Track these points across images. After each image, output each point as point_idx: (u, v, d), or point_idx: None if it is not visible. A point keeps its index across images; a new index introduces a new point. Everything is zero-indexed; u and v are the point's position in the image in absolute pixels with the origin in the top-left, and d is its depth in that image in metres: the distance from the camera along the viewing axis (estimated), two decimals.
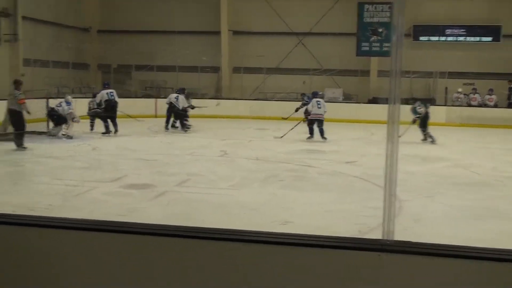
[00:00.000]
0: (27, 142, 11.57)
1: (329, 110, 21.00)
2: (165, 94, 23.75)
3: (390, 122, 2.43)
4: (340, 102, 22.63)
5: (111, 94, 15.28)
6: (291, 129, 14.91)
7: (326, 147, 13.14)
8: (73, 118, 14.10)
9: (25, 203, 6.41)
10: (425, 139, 14.25)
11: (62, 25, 24.40)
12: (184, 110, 16.11)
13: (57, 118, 13.87)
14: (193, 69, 24.43)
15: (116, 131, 14.76)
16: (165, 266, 2.52)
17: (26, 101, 11.70)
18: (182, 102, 15.92)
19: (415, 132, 13.79)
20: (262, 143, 13.86)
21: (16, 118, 11.51)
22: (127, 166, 9.88)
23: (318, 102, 14.59)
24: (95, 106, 15.35)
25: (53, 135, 13.71)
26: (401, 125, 2.49)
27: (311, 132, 14.44)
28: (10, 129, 13.11)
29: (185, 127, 16.07)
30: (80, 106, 17.90)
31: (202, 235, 2.53)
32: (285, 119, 15.55)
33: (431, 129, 14.39)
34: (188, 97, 17.06)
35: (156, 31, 25.50)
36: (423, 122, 14.34)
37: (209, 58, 24.38)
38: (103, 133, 14.71)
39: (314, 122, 14.44)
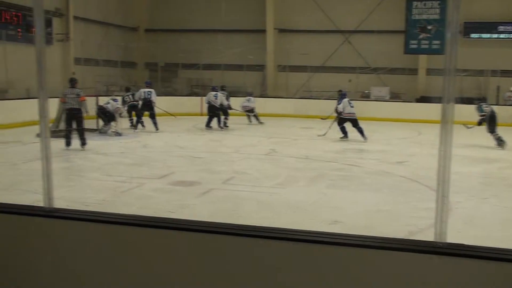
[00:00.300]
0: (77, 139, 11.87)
1: (376, 108, 20.91)
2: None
3: (443, 122, 2.38)
4: (387, 101, 22.30)
5: (148, 93, 15.50)
6: (329, 127, 14.56)
7: (372, 147, 12.95)
8: (120, 114, 14.44)
9: (78, 198, 6.60)
10: (499, 144, 12.70)
11: (111, 25, 24.96)
12: (223, 108, 16.12)
13: (107, 116, 14.19)
14: (238, 67, 24.55)
15: (156, 129, 14.96)
16: (212, 262, 2.54)
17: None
18: (220, 99, 15.95)
19: (477, 133, 13.16)
20: (308, 142, 13.79)
21: (79, 116, 11.24)
22: (175, 163, 10.02)
23: (350, 102, 14.26)
24: (131, 99, 15.68)
25: (103, 133, 14.02)
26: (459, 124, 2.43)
27: (345, 132, 14.06)
28: (62, 126, 13.51)
29: (223, 125, 16.08)
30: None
31: (250, 233, 2.53)
32: (324, 119, 15.29)
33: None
34: (227, 97, 17.08)
35: (203, 29, 25.75)
36: (490, 124, 12.96)
37: (255, 56, 24.44)
38: (131, 125, 15.33)
39: (345, 122, 14.07)
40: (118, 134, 13.98)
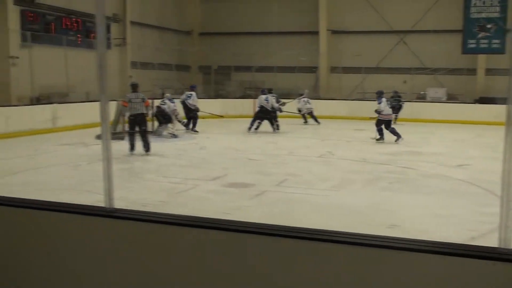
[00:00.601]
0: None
1: (432, 110, 20.43)
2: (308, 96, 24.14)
3: (508, 124, 2.29)
4: (444, 102, 21.73)
5: (188, 95, 15.68)
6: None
7: (428, 149, 12.66)
8: (176, 115, 14.62)
9: (136, 199, 6.76)
10: None
11: (166, 29, 25.48)
12: (275, 111, 16.06)
13: (163, 117, 14.36)
14: (290, 69, 24.54)
15: (193, 132, 15.21)
16: (267, 264, 2.54)
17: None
18: (271, 102, 15.87)
19: None
20: (361, 144, 13.61)
21: (145, 121, 11.18)
22: (229, 165, 10.10)
23: (388, 102, 14.11)
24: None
25: (158, 134, 14.20)
26: None
27: (382, 133, 13.75)
28: (120, 128, 13.89)
29: (276, 127, 15.91)
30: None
31: (303, 235, 2.52)
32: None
33: None
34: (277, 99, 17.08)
35: (255, 32, 25.89)
36: None
37: (307, 58, 24.37)
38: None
39: (383, 123, 13.77)
40: (174, 136, 14.18)
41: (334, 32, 25.25)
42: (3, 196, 3.27)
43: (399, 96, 18.95)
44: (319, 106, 20.22)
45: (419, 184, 8.51)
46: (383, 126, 13.72)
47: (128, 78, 22.14)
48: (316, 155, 11.47)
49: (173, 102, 14.70)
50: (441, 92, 22.58)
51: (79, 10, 19.25)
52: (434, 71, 22.98)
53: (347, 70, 24.20)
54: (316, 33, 25.16)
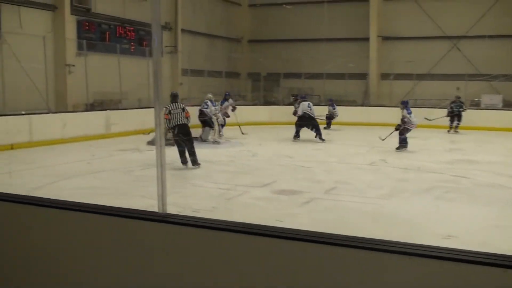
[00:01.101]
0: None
1: (487, 117, 19.78)
2: (311, 102, 24.02)
3: None
4: (500, 109, 20.99)
5: (213, 104, 14.77)
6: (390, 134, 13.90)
7: (483, 158, 12.26)
8: (217, 119, 14.43)
9: (187, 204, 6.83)
10: None
11: (216, 36, 25.81)
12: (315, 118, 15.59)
13: (204, 121, 14.26)
14: (340, 76, 24.33)
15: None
16: (317, 273, 2.51)
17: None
18: (313, 109, 15.50)
19: None
20: (412, 152, 13.32)
21: (188, 131, 10.52)
22: (278, 172, 10.09)
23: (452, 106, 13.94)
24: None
25: (204, 140, 14.15)
26: None
27: (406, 142, 13.31)
28: (169, 135, 14.10)
29: (319, 136, 15.24)
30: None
31: (359, 245, 2.47)
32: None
33: None
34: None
35: (304, 39, 25.88)
36: None
37: (357, 64, 24.12)
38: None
39: (408, 132, 13.36)
40: (216, 142, 14.09)
41: (385, 38, 24.92)
42: (57, 200, 3.36)
43: (462, 102, 18.36)
44: (369, 113, 20.00)
45: (474, 193, 8.23)
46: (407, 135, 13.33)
47: (179, 85, 22.55)
48: (366, 162, 11.31)
49: (214, 105, 14.49)
50: (496, 99, 21.86)
51: (133, 19, 19.77)
52: (489, 77, 22.29)
53: (398, 76, 23.78)
54: (366, 39, 24.89)
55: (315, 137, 15.17)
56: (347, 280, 2.45)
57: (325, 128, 18.34)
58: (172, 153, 12.15)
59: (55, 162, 10.98)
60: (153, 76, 3.08)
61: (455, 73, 22.86)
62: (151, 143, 13.42)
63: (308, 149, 13.96)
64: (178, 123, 10.35)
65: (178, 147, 10.40)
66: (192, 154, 10.34)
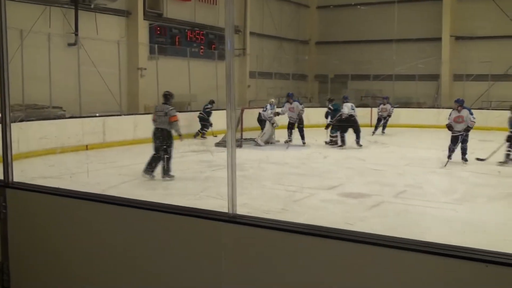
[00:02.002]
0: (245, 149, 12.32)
1: None
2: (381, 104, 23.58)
3: None
4: None
5: (271, 107, 14.75)
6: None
7: None
8: (272, 123, 14.44)
9: (255, 205, 6.87)
10: None
11: (284, 39, 25.85)
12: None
13: (260, 123, 14.39)
14: (410, 77, 23.72)
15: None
16: (385, 278, 2.46)
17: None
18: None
19: None
20: (485, 155, 12.76)
21: (164, 138, 9.38)
22: (347, 174, 9.98)
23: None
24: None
25: (257, 143, 14.22)
26: None
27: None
28: (237, 135, 14.27)
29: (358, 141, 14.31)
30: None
31: (433, 250, 2.40)
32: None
33: None
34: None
35: (373, 40, 25.45)
36: None
37: (428, 65, 23.42)
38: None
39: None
40: (258, 144, 14.06)
41: (458, 38, 24.08)
42: (128, 198, 3.48)
43: None
44: (440, 116, 19.34)
45: None
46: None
47: (246, 88, 22.77)
48: (436, 166, 10.95)
49: (272, 109, 14.49)
50: None
51: (202, 22, 20.15)
52: None
53: (472, 77, 22.88)
54: (439, 39, 24.15)
55: (355, 140, 14.24)
56: (417, 285, 2.38)
57: (383, 131, 18.07)
58: (240, 154, 12.28)
59: (129, 162, 11.35)
60: (226, 79, 3.11)
61: None
62: (219, 144, 13.66)
63: (378, 151, 13.71)
64: (158, 126, 9.46)
65: (153, 152, 9.39)
66: (167, 163, 9.23)
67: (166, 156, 9.19)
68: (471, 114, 11.78)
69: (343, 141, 14.15)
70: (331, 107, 14.95)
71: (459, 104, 12.10)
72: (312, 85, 27.89)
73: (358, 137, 14.15)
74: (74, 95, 14.11)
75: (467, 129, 11.59)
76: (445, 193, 8.30)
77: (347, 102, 14.60)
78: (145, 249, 3.23)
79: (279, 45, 25.68)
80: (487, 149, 13.26)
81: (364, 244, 2.54)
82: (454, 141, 11.36)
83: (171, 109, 9.42)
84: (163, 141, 9.32)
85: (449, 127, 11.56)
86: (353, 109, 14.36)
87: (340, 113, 14.26)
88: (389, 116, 18.38)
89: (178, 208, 3.22)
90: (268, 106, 14.47)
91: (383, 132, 18.24)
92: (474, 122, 11.81)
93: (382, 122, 18.38)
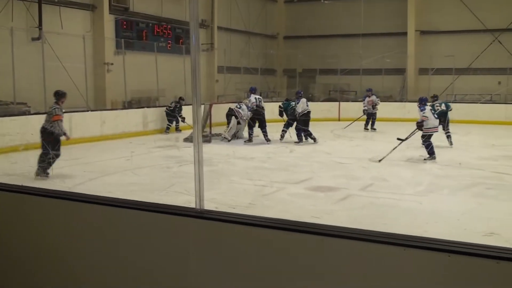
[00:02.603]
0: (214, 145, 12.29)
1: None
2: (348, 98, 23.85)
3: None
4: None
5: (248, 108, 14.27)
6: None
7: None
8: (244, 119, 14.25)
9: (224, 200, 6.89)
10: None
11: (252, 33, 25.84)
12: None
13: (231, 119, 14.21)
14: (377, 71, 24.03)
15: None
16: (360, 270, 2.50)
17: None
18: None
19: None
20: (450, 148, 13.06)
21: (48, 137, 8.97)
22: (314, 168, 10.06)
23: (433, 110, 11.61)
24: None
25: (224, 137, 14.12)
26: None
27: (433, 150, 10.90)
28: (206, 131, 14.23)
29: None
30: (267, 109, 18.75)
31: (397, 242, 2.45)
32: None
33: None
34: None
35: (341, 34, 25.68)
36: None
37: (394, 60, 23.78)
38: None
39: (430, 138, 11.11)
40: (225, 138, 14.00)
41: (423, 32, 24.49)
42: (96, 195, 3.45)
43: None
44: (406, 109, 19.70)
45: None
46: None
47: (215, 83, 22.70)
48: (402, 159, 11.14)
49: (249, 109, 14.02)
50: None
51: (170, 17, 19.98)
52: None
53: (437, 71, 23.32)
54: (404, 34, 24.51)
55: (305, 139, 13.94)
56: (382, 276, 2.43)
57: (372, 127, 17.30)
58: (209, 149, 12.30)
59: (96, 159, 11.22)
60: (192, 74, 3.11)
61: (497, 67, 22.28)
62: (187, 140, 13.59)
63: (345, 145, 13.86)
64: (43, 125, 9.04)
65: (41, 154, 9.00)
66: (49, 163, 8.90)
67: (49, 156, 8.84)
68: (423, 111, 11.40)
69: (300, 136, 13.75)
70: (281, 106, 14.75)
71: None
72: (280, 80, 27.99)
73: (306, 132, 13.79)
74: (39, 91, 13.81)
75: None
76: (411, 185, 8.45)
77: (300, 96, 14.25)
78: (113, 246, 3.21)
79: (247, 39, 25.66)
80: (453, 141, 13.58)
81: (329, 237, 2.58)
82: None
83: (55, 108, 9.02)
84: (47, 140, 8.96)
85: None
86: (307, 105, 14.03)
87: (294, 109, 14.00)
88: (374, 108, 17.27)
89: (145, 204, 3.21)
90: (244, 106, 14.33)
91: (373, 129, 17.28)
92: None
93: (371, 117, 17.34)
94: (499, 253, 2.24)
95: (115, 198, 3.41)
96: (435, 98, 14.69)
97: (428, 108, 11.50)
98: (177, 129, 16.46)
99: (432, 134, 11.12)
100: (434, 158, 10.73)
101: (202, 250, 2.95)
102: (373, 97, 17.44)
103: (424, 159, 10.78)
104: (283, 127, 14.27)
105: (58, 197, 3.47)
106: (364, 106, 17.41)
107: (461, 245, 2.36)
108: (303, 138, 13.80)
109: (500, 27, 22.78)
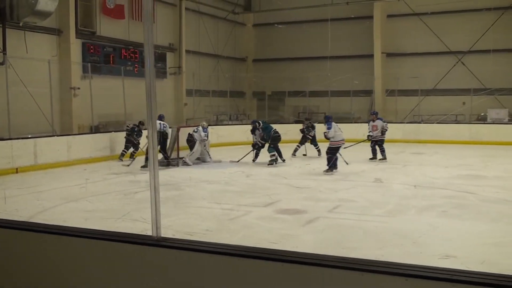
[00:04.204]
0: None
1: (493, 132, 19.65)
2: (317, 119, 24.02)
3: None
4: (506, 124, 20.88)
5: (204, 130, 14.51)
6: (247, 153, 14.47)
7: (489, 173, 12.16)
8: (204, 145, 14.36)
9: (184, 227, 6.76)
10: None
11: (221, 56, 25.95)
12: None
13: (192, 145, 14.19)
14: (345, 93, 24.33)
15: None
16: None
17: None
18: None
19: None
20: (418, 168, 13.24)
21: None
22: (280, 191, 10.02)
23: (338, 126, 12.63)
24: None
25: (186, 162, 14.01)
26: None
27: (335, 164, 12.40)
28: (174, 154, 14.11)
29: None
30: (237, 132, 18.84)
31: (355, 266, 2.43)
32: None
33: None
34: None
35: (309, 57, 26.03)
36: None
37: (362, 81, 24.16)
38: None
39: (337, 151, 12.45)
40: (186, 163, 13.88)
41: (390, 54, 24.97)
42: (49, 224, 3.35)
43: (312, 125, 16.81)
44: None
45: (479, 210, 8.13)
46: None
47: (183, 106, 22.64)
48: (369, 180, 11.23)
49: (205, 131, 14.33)
50: (502, 113, 21.74)
51: (137, 40, 19.92)
52: (494, 92, 22.20)
53: (403, 92, 23.72)
54: (371, 56, 24.95)
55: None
56: None
57: (382, 155, 14.99)
58: (175, 173, 12.17)
59: (56, 185, 10.96)
60: (146, 98, 3.07)
61: (461, 88, 22.81)
62: (145, 167, 13.31)
63: (306, 168, 13.79)
64: None
65: None
66: None
67: None
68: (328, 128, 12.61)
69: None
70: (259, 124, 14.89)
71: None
72: (250, 102, 28.10)
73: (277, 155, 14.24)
74: (3, 116, 13.53)
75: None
76: (378, 206, 8.47)
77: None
78: (66, 276, 3.11)
79: (216, 62, 25.76)
80: (419, 160, 13.75)
81: (288, 263, 2.54)
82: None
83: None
84: None
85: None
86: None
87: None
88: (383, 133, 15.12)
89: (99, 233, 3.13)
90: (200, 128, 14.32)
91: (381, 159, 14.93)
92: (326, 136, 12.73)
93: (376, 143, 15.13)
94: (454, 276, 2.23)
95: (68, 227, 3.31)
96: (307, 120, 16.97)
97: (333, 124, 12.57)
98: (132, 155, 15.06)
99: (338, 147, 12.43)
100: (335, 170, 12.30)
101: (159, 279, 2.88)
102: (378, 122, 15.26)
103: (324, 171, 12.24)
104: (269, 150, 14.22)
105: (11, 227, 3.36)
106: (369, 132, 15.26)
107: (417, 269, 2.36)
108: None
109: (463, 49, 23.40)
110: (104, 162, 14.89)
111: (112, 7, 18.99)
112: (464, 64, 23.59)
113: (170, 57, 22.61)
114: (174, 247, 2.87)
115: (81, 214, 7.97)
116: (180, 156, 14.28)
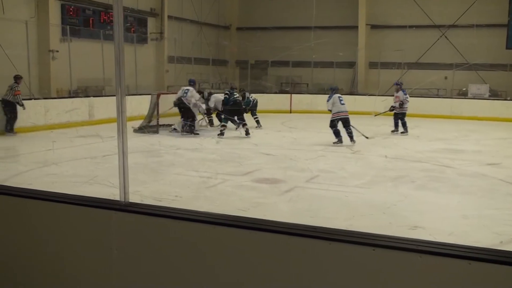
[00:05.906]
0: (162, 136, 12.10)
1: (474, 107, 19.81)
2: (300, 90, 23.98)
3: None
4: (486, 99, 21.05)
5: (185, 91, 13.74)
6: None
7: (468, 147, 12.28)
8: (199, 108, 13.93)
9: (157, 193, 6.74)
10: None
11: (204, 23, 25.57)
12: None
13: (184, 110, 13.57)
14: (328, 64, 24.24)
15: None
16: (283, 264, 2.46)
17: None
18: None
19: None
20: (398, 141, 13.31)
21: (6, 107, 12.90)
22: (261, 160, 10.01)
23: (341, 98, 12.24)
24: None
25: (175, 129, 13.82)
26: None
27: (338, 134, 12.12)
28: (154, 122, 13.97)
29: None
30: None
31: (325, 236, 2.42)
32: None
33: None
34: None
35: (293, 27, 25.78)
36: None
37: (345, 53, 24.01)
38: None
39: (338, 122, 12.19)
40: (175, 130, 13.73)
41: (374, 26, 24.85)
42: (16, 187, 3.27)
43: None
44: (356, 102, 19.93)
45: (453, 183, 8.20)
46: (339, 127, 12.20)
47: (165, 73, 22.36)
48: (348, 152, 11.27)
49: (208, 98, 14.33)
50: (483, 89, 21.90)
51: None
52: (476, 67, 22.28)
53: (386, 65, 23.71)
54: (355, 27, 24.80)
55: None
56: (313, 271, 2.39)
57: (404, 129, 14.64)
58: (155, 140, 12.08)
59: (30, 150, 10.80)
60: (115, 63, 3.00)
61: (443, 62, 22.84)
62: (137, 130, 13.33)
63: (292, 137, 13.85)
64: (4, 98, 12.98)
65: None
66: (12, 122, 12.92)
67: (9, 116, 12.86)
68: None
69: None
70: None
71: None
72: (233, 71, 27.87)
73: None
74: None
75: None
76: (355, 177, 8.52)
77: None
78: (31, 240, 3.06)
79: (199, 29, 25.39)
80: (399, 134, 13.79)
81: (256, 231, 2.52)
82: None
83: (16, 87, 12.95)
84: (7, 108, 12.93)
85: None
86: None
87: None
88: (401, 107, 14.71)
89: (67, 197, 3.07)
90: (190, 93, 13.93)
91: (402, 132, 14.63)
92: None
93: (397, 116, 14.83)
94: (420, 246, 2.22)
95: (35, 190, 3.24)
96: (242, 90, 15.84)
97: (335, 96, 12.36)
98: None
99: (337, 119, 12.22)
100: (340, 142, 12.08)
101: (125, 244, 2.84)
102: (400, 93, 14.84)
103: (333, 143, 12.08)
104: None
105: None
106: (394, 103, 14.95)
107: (385, 239, 2.35)
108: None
109: (447, 23, 23.37)
110: (86, 126, 14.68)
111: None
112: (447, 38, 23.59)
113: (151, 22, 22.21)
114: (142, 212, 2.83)
115: (49, 178, 7.89)
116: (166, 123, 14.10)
